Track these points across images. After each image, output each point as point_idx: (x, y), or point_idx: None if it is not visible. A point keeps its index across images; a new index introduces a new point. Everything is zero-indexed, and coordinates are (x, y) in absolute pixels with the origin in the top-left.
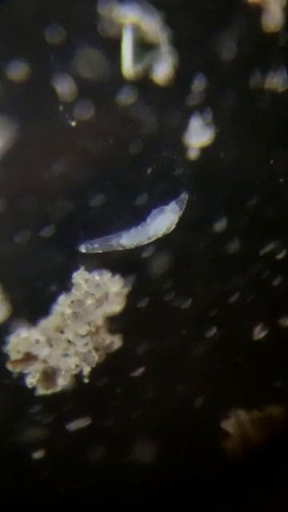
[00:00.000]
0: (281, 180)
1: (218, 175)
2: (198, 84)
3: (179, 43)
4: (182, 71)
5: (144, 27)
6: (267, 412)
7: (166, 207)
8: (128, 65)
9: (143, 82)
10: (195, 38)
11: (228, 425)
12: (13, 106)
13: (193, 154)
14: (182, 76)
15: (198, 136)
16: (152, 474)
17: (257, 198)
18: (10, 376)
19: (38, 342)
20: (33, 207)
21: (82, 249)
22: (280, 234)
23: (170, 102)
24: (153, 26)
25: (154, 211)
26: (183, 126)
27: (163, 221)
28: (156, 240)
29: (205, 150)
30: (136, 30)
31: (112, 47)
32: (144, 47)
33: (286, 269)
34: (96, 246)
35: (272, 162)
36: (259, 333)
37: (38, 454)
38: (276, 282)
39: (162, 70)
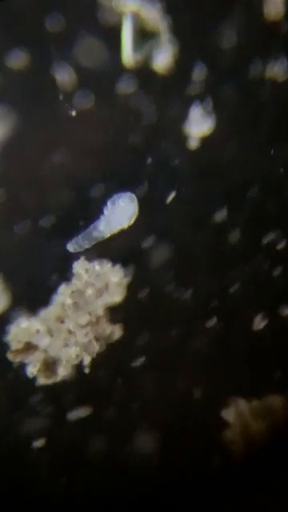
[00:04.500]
0: (281, 170)
1: (218, 165)
2: (199, 73)
3: (179, 32)
4: (182, 60)
5: (144, 16)
6: (267, 402)
7: (122, 197)
8: (128, 54)
9: (143, 71)
10: (196, 27)
11: (228, 414)
12: (13, 95)
13: (193, 144)
14: (182, 65)
15: (198, 125)
16: (153, 464)
17: (257, 189)
18: (11, 366)
19: (38, 331)
20: (33, 197)
21: (71, 249)
22: (280, 224)
23: (170, 91)
24: (153, 15)
25: (111, 201)
26: (183, 116)
27: (123, 213)
28: (156, 230)
29: (205, 140)
30: (136, 18)
31: (112, 36)
32: (144, 36)
33: (286, 259)
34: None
35: (272, 151)
36: (259, 323)
37: (38, 443)
38: (276, 272)
39: (162, 59)
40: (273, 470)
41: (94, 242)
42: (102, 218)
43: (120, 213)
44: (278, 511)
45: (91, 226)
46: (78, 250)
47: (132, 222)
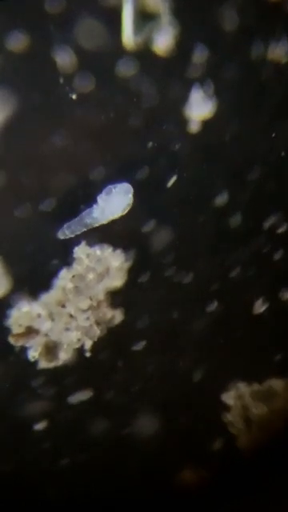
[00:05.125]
0: (282, 153)
1: (219, 148)
2: (199, 55)
3: (180, 13)
4: (182, 42)
5: None
6: (268, 385)
7: (117, 187)
8: (128, 35)
9: (144, 53)
10: (196, 8)
11: (229, 397)
12: (13, 78)
13: (194, 127)
14: (182, 47)
15: (199, 108)
16: (153, 447)
17: (258, 172)
18: (13, 350)
19: (39, 316)
20: (33, 180)
21: (61, 236)
22: (281, 207)
23: (171, 74)
24: None
25: (106, 191)
26: (184, 98)
27: (117, 203)
28: (157, 214)
29: (206, 123)
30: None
31: (112, 18)
32: (145, 17)
33: (287, 242)
34: (73, 228)
35: (274, 134)
36: (260, 307)
37: (39, 426)
38: (277, 256)
39: (163, 41)
40: (273, 469)
41: (85, 229)
42: (95, 206)
43: (114, 203)
44: (278, 511)
45: (83, 213)
46: (69, 235)
47: (126, 212)
